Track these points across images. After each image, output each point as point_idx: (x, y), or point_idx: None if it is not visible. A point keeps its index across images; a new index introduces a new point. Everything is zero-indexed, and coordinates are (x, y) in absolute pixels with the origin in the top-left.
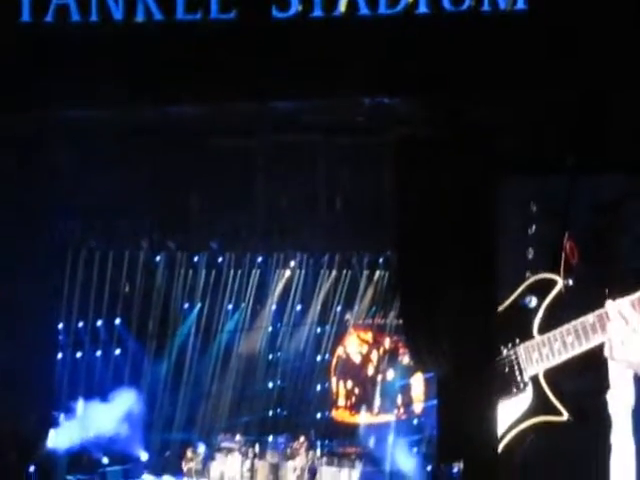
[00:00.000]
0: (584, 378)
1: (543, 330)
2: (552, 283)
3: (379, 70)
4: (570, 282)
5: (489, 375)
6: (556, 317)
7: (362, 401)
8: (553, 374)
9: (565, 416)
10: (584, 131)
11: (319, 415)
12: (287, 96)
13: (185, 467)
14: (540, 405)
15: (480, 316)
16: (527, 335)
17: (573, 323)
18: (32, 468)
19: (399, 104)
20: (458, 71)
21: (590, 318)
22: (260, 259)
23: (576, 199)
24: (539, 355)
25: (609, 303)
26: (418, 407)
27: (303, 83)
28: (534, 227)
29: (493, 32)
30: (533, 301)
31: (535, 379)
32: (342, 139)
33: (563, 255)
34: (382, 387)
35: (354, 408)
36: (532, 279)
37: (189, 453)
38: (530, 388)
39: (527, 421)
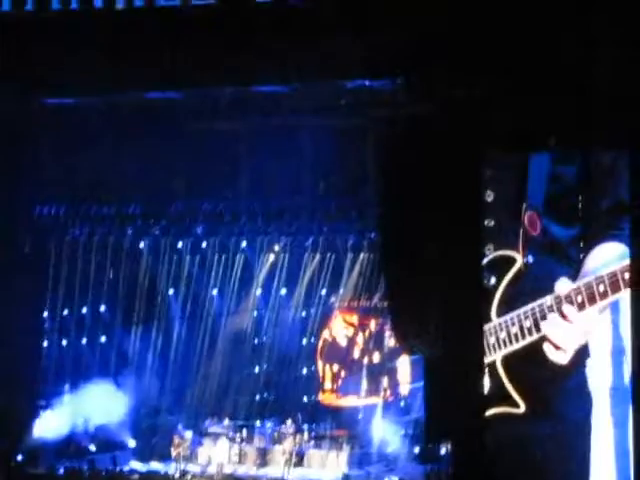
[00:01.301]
0: (545, 366)
1: (501, 312)
2: (511, 261)
3: (362, 53)
4: (530, 259)
5: (475, 356)
6: (515, 298)
7: (348, 384)
8: (511, 361)
9: (522, 408)
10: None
11: (306, 398)
12: (270, 80)
13: (174, 453)
14: (497, 395)
15: (466, 298)
16: (485, 318)
17: (531, 305)
18: (20, 456)
19: (379, 87)
20: (435, 56)
21: (548, 300)
22: (244, 244)
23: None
24: (496, 340)
25: (560, 284)
26: (405, 389)
27: (286, 68)
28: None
29: (476, 12)
30: (492, 280)
31: (492, 366)
32: (325, 121)
33: (522, 230)
34: (368, 370)
35: (341, 391)
36: (491, 256)
37: (177, 439)
38: (487, 376)
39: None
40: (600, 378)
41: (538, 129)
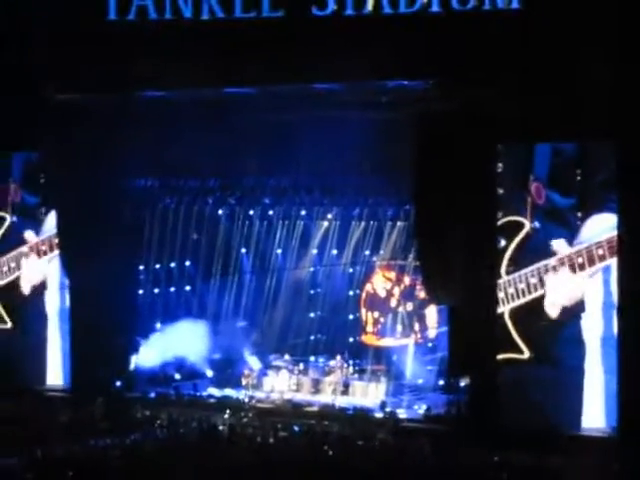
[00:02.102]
0: (546, 318)
1: (510, 271)
2: (519, 225)
3: (400, 58)
4: (536, 225)
5: (489, 307)
6: (522, 258)
7: (386, 328)
8: (518, 314)
9: (527, 354)
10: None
11: (351, 339)
12: (325, 79)
13: (244, 382)
14: (505, 343)
15: (482, 258)
16: (496, 275)
17: (537, 265)
18: (119, 383)
19: (416, 86)
20: (464, 59)
21: (552, 261)
22: (303, 212)
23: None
24: (505, 295)
25: (559, 246)
26: (432, 333)
27: (339, 69)
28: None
29: (493, 26)
30: (502, 242)
31: (501, 318)
32: (370, 114)
33: (529, 198)
34: (403, 316)
35: (380, 333)
36: (502, 221)
37: (246, 371)
38: (496, 326)
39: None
40: (593, 329)
41: (543, 121)
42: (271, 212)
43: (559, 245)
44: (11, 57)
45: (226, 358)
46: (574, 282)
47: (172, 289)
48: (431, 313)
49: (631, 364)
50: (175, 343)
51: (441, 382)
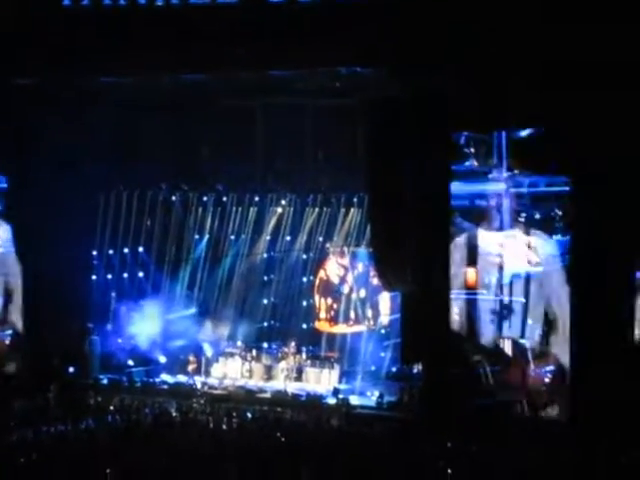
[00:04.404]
0: None
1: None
2: None
3: (353, 46)
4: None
5: (443, 293)
6: None
7: (339, 314)
8: None
9: None
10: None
11: (305, 326)
12: (279, 66)
13: (189, 368)
14: None
15: (436, 245)
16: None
17: None
18: (72, 369)
19: (369, 73)
20: (416, 47)
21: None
22: (257, 199)
23: None
24: None
25: None
26: (385, 319)
27: (293, 56)
28: None
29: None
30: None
31: None
32: (323, 101)
33: None
34: (355, 303)
35: (333, 320)
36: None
37: (191, 357)
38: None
39: None
40: None
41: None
42: (225, 198)
43: None
44: None
45: (179, 345)
46: None
47: (125, 275)
48: (384, 300)
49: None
50: (127, 329)
51: (394, 369)
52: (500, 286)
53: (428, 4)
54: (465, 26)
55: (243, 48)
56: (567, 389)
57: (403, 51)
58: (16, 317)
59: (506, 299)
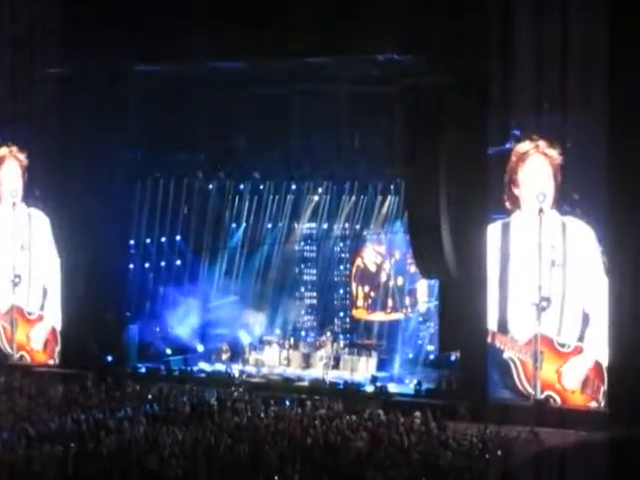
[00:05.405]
0: None
1: None
2: None
3: (391, 33)
4: None
5: (481, 282)
6: None
7: (377, 302)
8: None
9: None
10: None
11: (342, 314)
12: (316, 53)
13: (223, 357)
14: None
15: (472, 231)
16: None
17: None
18: (110, 357)
19: (407, 60)
20: (455, 33)
21: None
22: (294, 187)
23: None
24: None
25: None
26: (422, 307)
27: (330, 43)
28: None
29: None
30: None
31: None
32: (360, 88)
33: None
34: (393, 291)
35: (370, 308)
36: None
37: (224, 346)
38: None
39: None
40: None
41: None
42: (261, 186)
43: None
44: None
45: (217, 333)
46: None
47: (162, 264)
48: (422, 287)
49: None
50: (165, 318)
51: (431, 357)
52: (538, 275)
53: None
54: (504, 11)
55: (279, 35)
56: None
57: (442, 38)
58: (52, 312)
59: (544, 290)
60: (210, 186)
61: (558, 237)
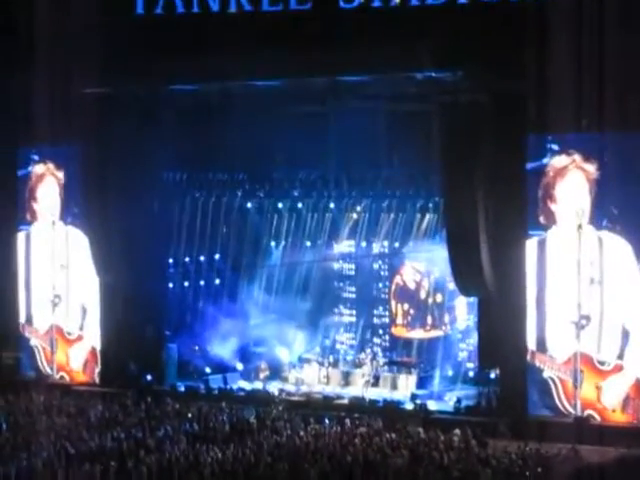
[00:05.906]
0: None
1: None
2: None
3: (429, 50)
4: None
5: (520, 299)
6: None
7: (416, 319)
8: None
9: None
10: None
11: (381, 331)
12: (353, 71)
13: (261, 375)
14: None
15: (511, 247)
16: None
17: None
18: (149, 376)
19: (445, 77)
20: (492, 50)
21: None
22: (332, 205)
23: None
24: None
25: None
26: (462, 324)
27: (367, 61)
28: None
29: (521, 16)
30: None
31: None
32: (398, 105)
33: None
34: (432, 308)
35: (410, 325)
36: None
37: (262, 365)
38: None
39: None
40: None
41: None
42: (300, 205)
43: None
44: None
45: (256, 351)
46: None
47: (201, 282)
48: (461, 304)
49: None
50: (205, 336)
51: (471, 373)
52: (577, 293)
53: (505, 8)
54: (542, 29)
55: (317, 54)
56: None
57: (480, 55)
58: (91, 332)
59: (583, 308)
60: (249, 205)
61: (595, 253)
